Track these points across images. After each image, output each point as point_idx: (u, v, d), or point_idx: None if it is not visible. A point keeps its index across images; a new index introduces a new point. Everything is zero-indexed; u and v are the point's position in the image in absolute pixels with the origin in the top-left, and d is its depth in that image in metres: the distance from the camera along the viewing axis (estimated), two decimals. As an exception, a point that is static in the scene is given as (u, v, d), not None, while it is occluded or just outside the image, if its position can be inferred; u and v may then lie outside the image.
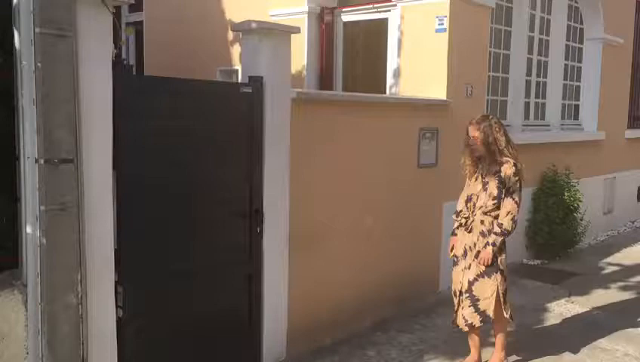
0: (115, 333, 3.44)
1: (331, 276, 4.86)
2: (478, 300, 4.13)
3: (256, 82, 4.14)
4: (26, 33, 3.03)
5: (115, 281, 3.43)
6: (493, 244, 4.06)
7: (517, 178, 4.08)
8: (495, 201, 4.09)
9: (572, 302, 5.92)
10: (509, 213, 4.05)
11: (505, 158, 4.10)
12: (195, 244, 3.91)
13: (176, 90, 3.77)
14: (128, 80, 3.51)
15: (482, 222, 4.14)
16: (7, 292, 3.10)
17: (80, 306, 3.16)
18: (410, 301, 5.60)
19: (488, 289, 4.12)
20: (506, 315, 4.19)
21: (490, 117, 4.24)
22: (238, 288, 4.21)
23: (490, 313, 4.12)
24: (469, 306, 4.16)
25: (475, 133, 4.15)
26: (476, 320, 4.15)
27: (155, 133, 3.61)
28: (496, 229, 4.06)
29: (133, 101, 3.45)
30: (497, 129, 4.13)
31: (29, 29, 2.99)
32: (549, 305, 5.83)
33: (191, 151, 3.83)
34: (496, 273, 4.11)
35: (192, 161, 3.84)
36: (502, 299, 4.15)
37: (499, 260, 4.12)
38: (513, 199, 4.07)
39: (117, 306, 3.45)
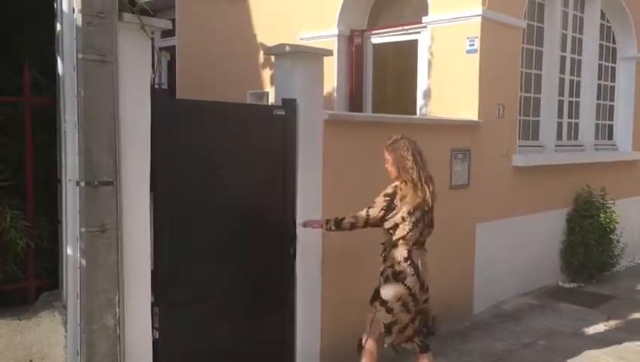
0: (150, 354, 3.45)
1: (364, 298, 4.81)
2: None
3: (289, 104, 4.18)
4: (68, 59, 3.11)
5: (152, 303, 3.46)
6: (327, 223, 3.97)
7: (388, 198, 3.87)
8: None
9: (610, 327, 5.77)
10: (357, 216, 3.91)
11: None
12: (229, 266, 3.93)
13: (211, 113, 3.83)
14: (165, 104, 3.56)
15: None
16: (47, 314, 3.14)
17: (117, 327, 3.19)
18: (444, 323, 5.48)
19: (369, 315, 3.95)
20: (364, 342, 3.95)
21: (400, 137, 3.93)
22: (270, 310, 4.21)
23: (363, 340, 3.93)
24: None
25: (386, 155, 3.93)
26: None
27: (191, 155, 3.66)
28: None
29: (169, 124, 3.51)
30: (405, 149, 3.84)
31: (71, 55, 3.08)
32: (586, 329, 5.68)
33: (225, 173, 3.87)
34: (376, 301, 3.94)
35: (227, 183, 3.88)
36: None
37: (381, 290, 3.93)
38: (368, 209, 3.92)
39: (153, 327, 3.47)
